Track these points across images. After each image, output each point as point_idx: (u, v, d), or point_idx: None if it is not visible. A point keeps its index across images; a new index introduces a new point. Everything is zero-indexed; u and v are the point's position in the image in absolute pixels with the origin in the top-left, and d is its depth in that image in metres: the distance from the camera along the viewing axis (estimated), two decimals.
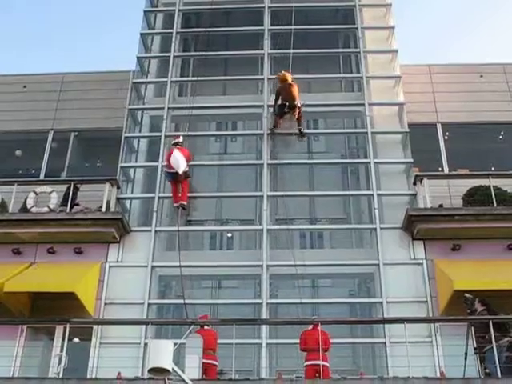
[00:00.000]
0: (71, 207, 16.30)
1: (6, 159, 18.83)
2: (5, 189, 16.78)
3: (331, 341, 12.59)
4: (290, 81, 17.05)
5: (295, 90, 16.90)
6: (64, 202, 16.40)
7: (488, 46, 55.19)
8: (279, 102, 17.08)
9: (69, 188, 16.58)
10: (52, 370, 12.95)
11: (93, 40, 58.33)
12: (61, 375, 12.11)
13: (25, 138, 18.86)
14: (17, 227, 15.84)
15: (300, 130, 17.23)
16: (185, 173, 16.27)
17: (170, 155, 16.32)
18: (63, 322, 13.06)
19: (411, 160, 16.93)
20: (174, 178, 16.29)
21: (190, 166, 16.84)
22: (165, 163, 16.63)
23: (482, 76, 19.07)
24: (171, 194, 16.52)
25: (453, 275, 14.06)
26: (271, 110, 17.55)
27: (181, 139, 16.93)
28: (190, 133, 19.80)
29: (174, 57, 19.46)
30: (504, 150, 18.31)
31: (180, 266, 15.19)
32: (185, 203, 16.34)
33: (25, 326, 14.34)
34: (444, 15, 57.27)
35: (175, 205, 16.34)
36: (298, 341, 12.70)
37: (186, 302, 17.25)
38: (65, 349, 12.47)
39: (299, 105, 16.89)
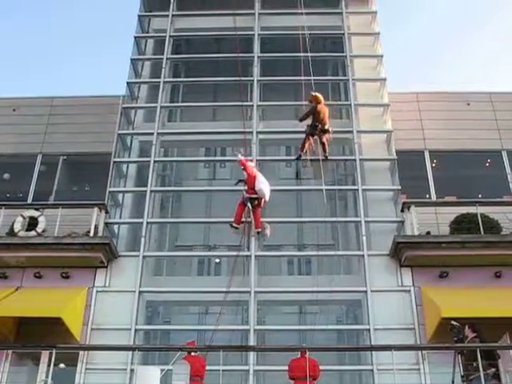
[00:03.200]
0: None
1: None
2: None
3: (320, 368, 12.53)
4: (323, 103, 17.14)
5: (328, 113, 17.05)
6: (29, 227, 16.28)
7: (475, 73, 55.78)
8: (309, 121, 17.16)
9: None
10: None
11: (83, 64, 58.45)
12: None
13: (13, 161, 18.84)
14: (4, 251, 15.73)
15: (326, 156, 17.25)
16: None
17: (253, 178, 15.90)
18: (49, 348, 12.92)
19: (399, 187, 17.02)
20: (252, 202, 15.97)
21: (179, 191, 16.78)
22: (245, 186, 16.12)
23: (468, 104, 19.29)
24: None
25: (440, 302, 14.08)
26: (297, 122, 17.44)
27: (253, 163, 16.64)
28: (178, 158, 19.94)
29: (164, 82, 19.51)
30: (491, 178, 18.44)
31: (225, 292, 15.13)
32: (260, 230, 16.13)
33: (10, 351, 14.21)
34: (429, 42, 57.99)
35: (235, 226, 15.99)
36: (285, 368, 12.65)
37: (173, 327, 17.27)
38: (50, 374, 12.36)
39: (330, 129, 17.02)
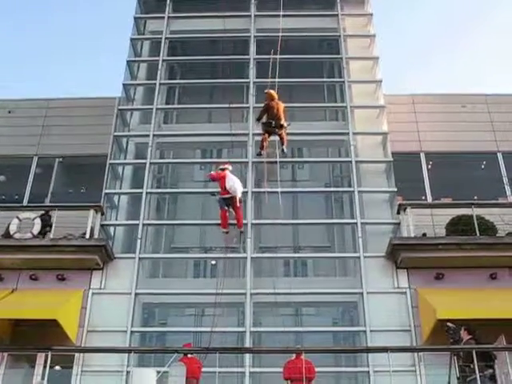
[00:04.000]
0: (43, 235, 16.16)
1: None
2: None
3: (315, 369, 12.54)
4: (277, 100, 17.13)
5: (282, 109, 17.02)
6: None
7: (471, 74, 55.90)
8: (264, 119, 17.14)
9: (44, 214, 16.51)
10: None
11: (79, 66, 58.45)
12: None
13: (9, 163, 18.78)
14: None
15: (283, 149, 17.21)
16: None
17: (223, 179, 16.05)
18: (45, 350, 12.87)
19: (395, 189, 17.06)
20: (228, 203, 16.07)
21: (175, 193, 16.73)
22: (218, 189, 16.25)
23: (464, 106, 19.28)
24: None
25: (436, 304, 14.08)
26: (257, 122, 17.45)
27: (230, 167, 16.63)
28: (174, 160, 19.93)
29: (160, 84, 19.52)
30: (486, 180, 18.46)
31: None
32: (242, 229, 16.24)
33: (5, 354, 14.16)
34: (422, 43, 58.15)
35: (223, 230, 16.15)
36: (281, 369, 12.66)
37: (169, 329, 17.20)
38: (46, 377, 12.30)
39: (285, 124, 16.99)
